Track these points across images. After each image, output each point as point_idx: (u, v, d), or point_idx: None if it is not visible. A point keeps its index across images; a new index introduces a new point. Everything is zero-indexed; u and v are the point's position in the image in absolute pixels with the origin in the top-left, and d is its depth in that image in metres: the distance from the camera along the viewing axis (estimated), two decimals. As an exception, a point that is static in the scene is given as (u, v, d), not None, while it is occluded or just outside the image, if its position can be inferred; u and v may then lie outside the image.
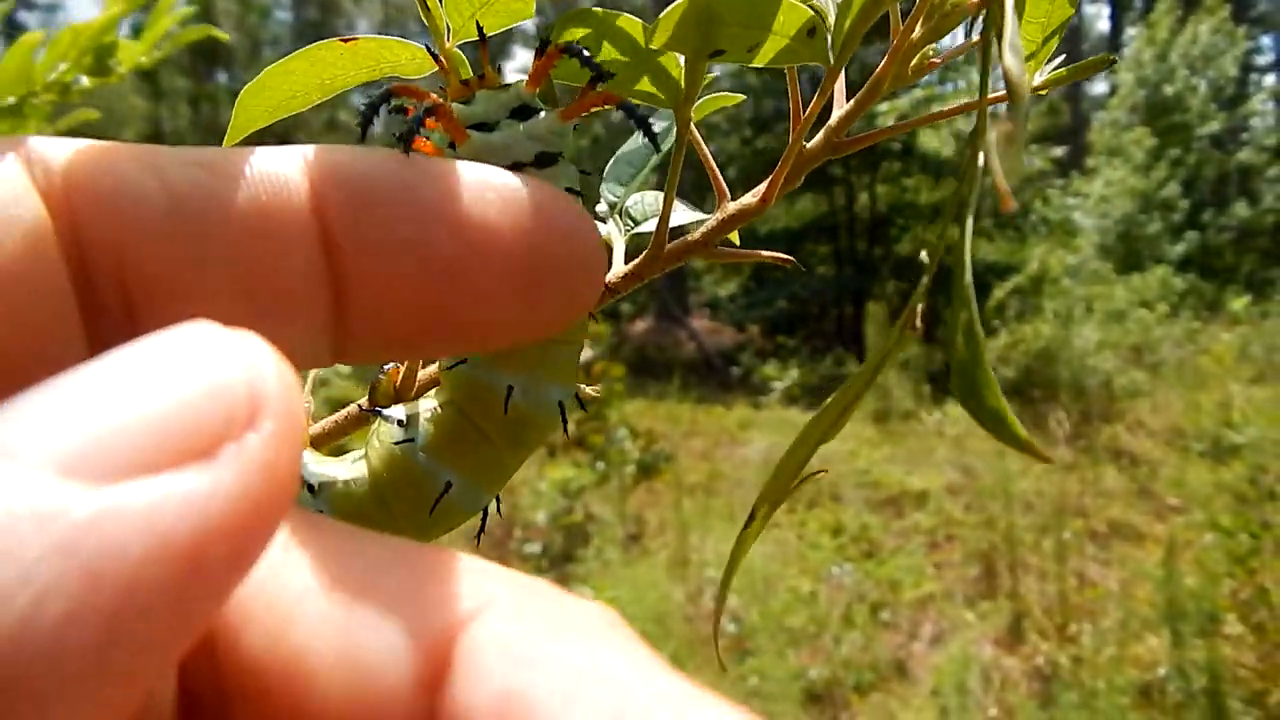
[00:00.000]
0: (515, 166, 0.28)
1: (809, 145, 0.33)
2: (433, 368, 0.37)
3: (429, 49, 0.31)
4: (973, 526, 5.14)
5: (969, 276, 0.22)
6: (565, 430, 0.33)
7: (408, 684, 0.17)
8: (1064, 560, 4.53)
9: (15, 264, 0.20)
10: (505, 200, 0.23)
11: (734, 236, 0.37)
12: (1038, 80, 0.32)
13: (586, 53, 0.28)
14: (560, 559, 4.73)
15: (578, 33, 0.31)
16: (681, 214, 0.38)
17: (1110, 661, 3.64)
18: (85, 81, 1.05)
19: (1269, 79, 19.14)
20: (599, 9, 0.30)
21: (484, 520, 0.34)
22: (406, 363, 0.36)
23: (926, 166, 11.67)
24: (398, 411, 0.34)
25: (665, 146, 0.39)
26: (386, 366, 0.36)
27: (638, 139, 0.41)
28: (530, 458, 0.35)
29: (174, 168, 0.22)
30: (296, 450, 0.17)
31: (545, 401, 0.32)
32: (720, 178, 0.35)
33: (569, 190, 0.29)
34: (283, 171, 0.23)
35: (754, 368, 10.03)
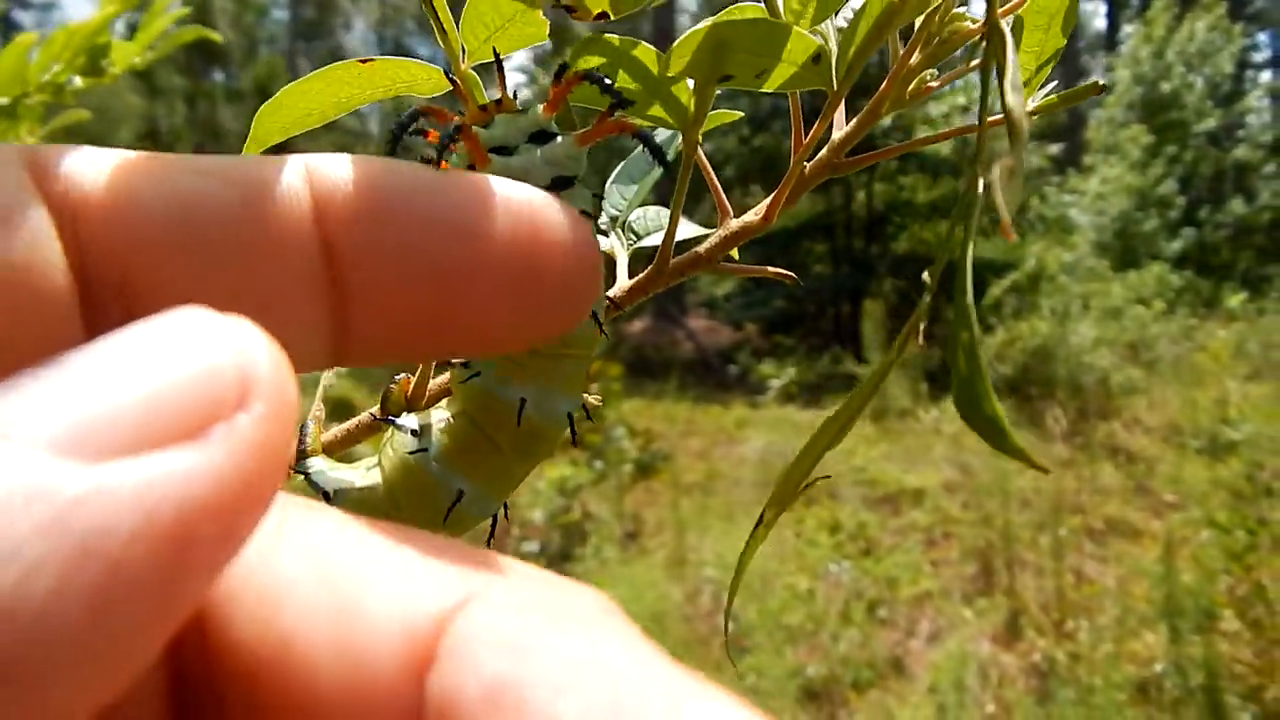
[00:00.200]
0: None
1: (809, 165, 0.34)
2: (444, 378, 0.37)
3: (446, 72, 0.32)
4: (970, 524, 5.15)
5: (970, 296, 0.23)
6: (574, 440, 0.34)
7: (399, 670, 0.17)
8: (1061, 557, 4.55)
9: (17, 267, 0.20)
10: (502, 207, 0.24)
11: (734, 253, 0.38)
12: (1029, 106, 0.32)
13: (606, 80, 0.29)
14: (558, 558, 4.73)
15: (593, 60, 0.32)
16: (684, 229, 0.39)
17: (1107, 658, 3.65)
18: (78, 82, 1.05)
19: (1265, 76, 19.16)
20: (614, 36, 0.31)
21: (493, 526, 0.35)
22: (418, 373, 0.37)
23: (924, 165, 11.67)
24: (410, 421, 0.35)
25: (669, 157, 0.40)
26: (398, 377, 0.37)
27: (640, 153, 0.42)
28: None
29: (177, 175, 0.23)
30: (287, 431, 0.17)
31: (556, 413, 0.33)
32: (722, 194, 0.36)
33: (582, 213, 0.30)
34: (285, 179, 0.23)
35: (751, 367, 10.04)
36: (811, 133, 0.32)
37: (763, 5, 0.32)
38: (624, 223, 0.42)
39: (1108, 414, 6.96)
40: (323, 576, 0.17)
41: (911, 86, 0.32)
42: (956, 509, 5.42)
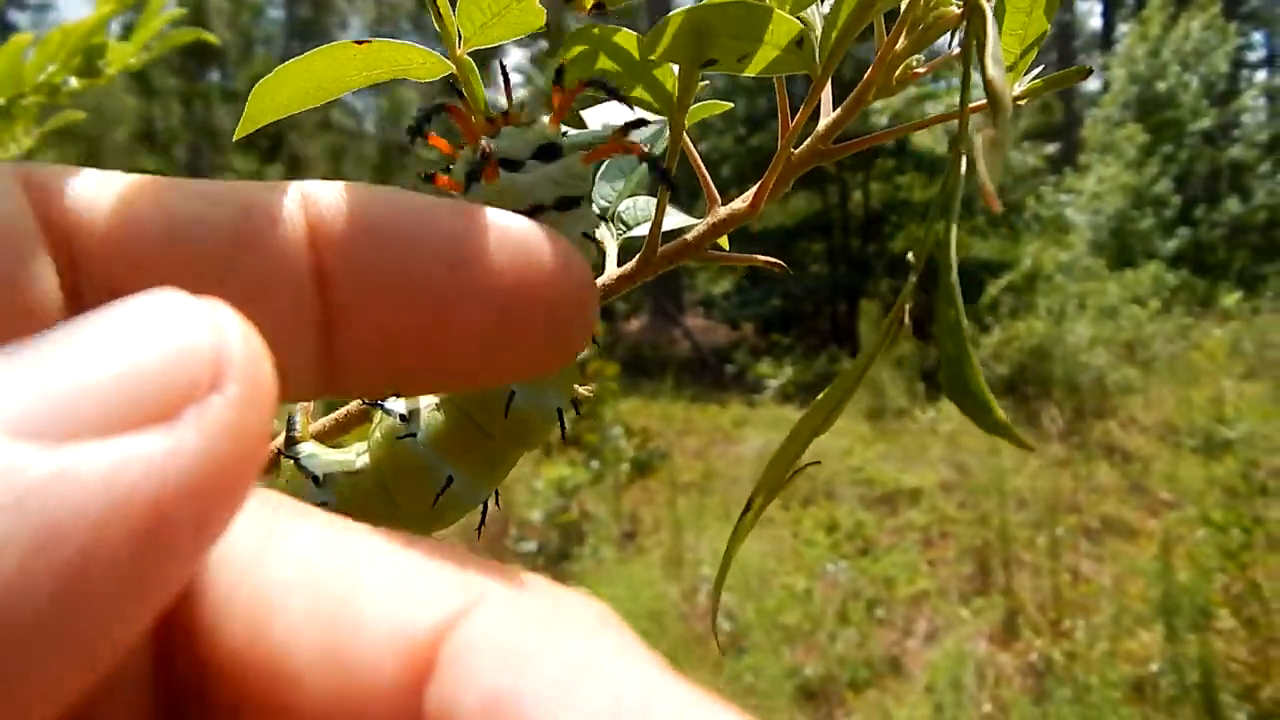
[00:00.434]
0: (537, 208, 0.29)
1: (796, 152, 0.34)
2: None
3: (455, 89, 0.32)
4: (967, 523, 5.15)
5: (955, 275, 0.23)
6: (564, 435, 0.34)
7: (393, 682, 0.16)
8: (1057, 556, 4.55)
9: (7, 285, 0.20)
10: (496, 238, 0.24)
11: (724, 240, 0.38)
12: (1016, 90, 0.32)
13: (612, 86, 0.29)
14: (556, 557, 4.73)
15: (577, 50, 0.32)
16: (673, 218, 0.39)
17: (1103, 657, 3.65)
18: (74, 83, 1.05)
19: (1260, 75, 19.20)
20: (596, 26, 0.31)
21: (483, 514, 0.35)
22: None
23: (920, 164, 11.68)
24: (399, 405, 0.35)
25: (659, 150, 0.40)
26: None
27: None
28: (526, 456, 0.35)
29: (174, 197, 0.23)
30: (263, 414, 0.17)
31: (545, 406, 0.32)
32: (710, 182, 0.36)
33: (585, 236, 0.30)
34: (281, 204, 0.23)
35: (748, 366, 10.04)
36: (796, 119, 0.32)
37: None
38: (613, 213, 0.41)
39: (1104, 413, 6.97)
40: (317, 584, 0.17)
41: (898, 73, 0.32)
42: (953, 509, 5.43)
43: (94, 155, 14.22)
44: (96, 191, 0.22)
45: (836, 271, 12.02)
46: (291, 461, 0.36)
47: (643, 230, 0.40)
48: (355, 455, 0.36)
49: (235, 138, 0.36)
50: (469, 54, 0.32)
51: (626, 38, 0.32)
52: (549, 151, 0.30)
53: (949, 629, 4.15)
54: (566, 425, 0.33)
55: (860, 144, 0.35)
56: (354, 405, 0.38)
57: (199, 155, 16.91)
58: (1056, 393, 7.13)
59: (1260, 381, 7.02)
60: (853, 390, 0.27)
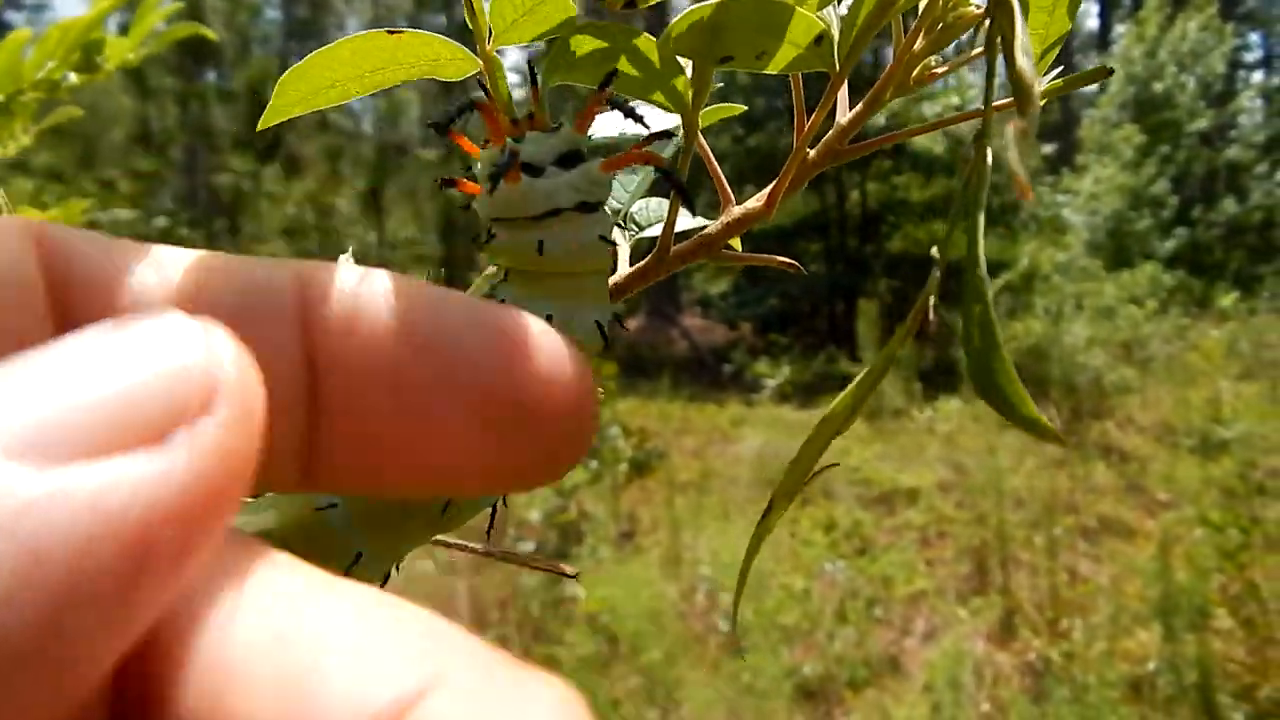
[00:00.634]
0: (555, 213, 0.29)
1: (812, 152, 0.34)
2: None
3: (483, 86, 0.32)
4: (964, 523, 5.16)
5: (983, 269, 0.23)
6: None
7: None
8: (1055, 556, 4.56)
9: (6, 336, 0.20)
10: (493, 338, 0.22)
11: (735, 240, 0.38)
12: (1040, 87, 0.32)
13: (630, 104, 0.29)
14: (554, 557, 4.73)
15: (588, 44, 0.32)
16: (685, 221, 0.39)
17: (1101, 656, 3.65)
18: (73, 78, 1.05)
19: (1257, 76, 19.24)
20: (608, 23, 0.31)
21: (493, 516, 0.35)
22: None
23: (917, 164, 11.69)
24: None
25: (672, 148, 0.39)
26: None
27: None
28: None
29: (175, 265, 0.22)
30: (253, 438, 0.17)
31: (585, 327, 0.32)
32: (725, 183, 0.36)
33: (601, 239, 0.30)
34: (278, 285, 0.22)
35: (746, 365, 10.05)
36: (813, 118, 0.32)
37: None
38: (625, 214, 0.41)
39: (1101, 413, 6.98)
40: (278, 650, 0.16)
41: (915, 72, 0.32)
42: (951, 508, 5.43)
43: (90, 155, 14.19)
44: (103, 253, 0.22)
45: (834, 271, 12.03)
46: None
47: (655, 231, 0.39)
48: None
49: (259, 129, 0.35)
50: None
51: (646, 42, 0.31)
52: (571, 159, 0.30)
53: (947, 628, 4.15)
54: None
55: (876, 143, 0.34)
56: None
57: (195, 155, 16.88)
58: (1054, 393, 7.14)
59: (1257, 382, 7.03)
60: (874, 388, 0.27)
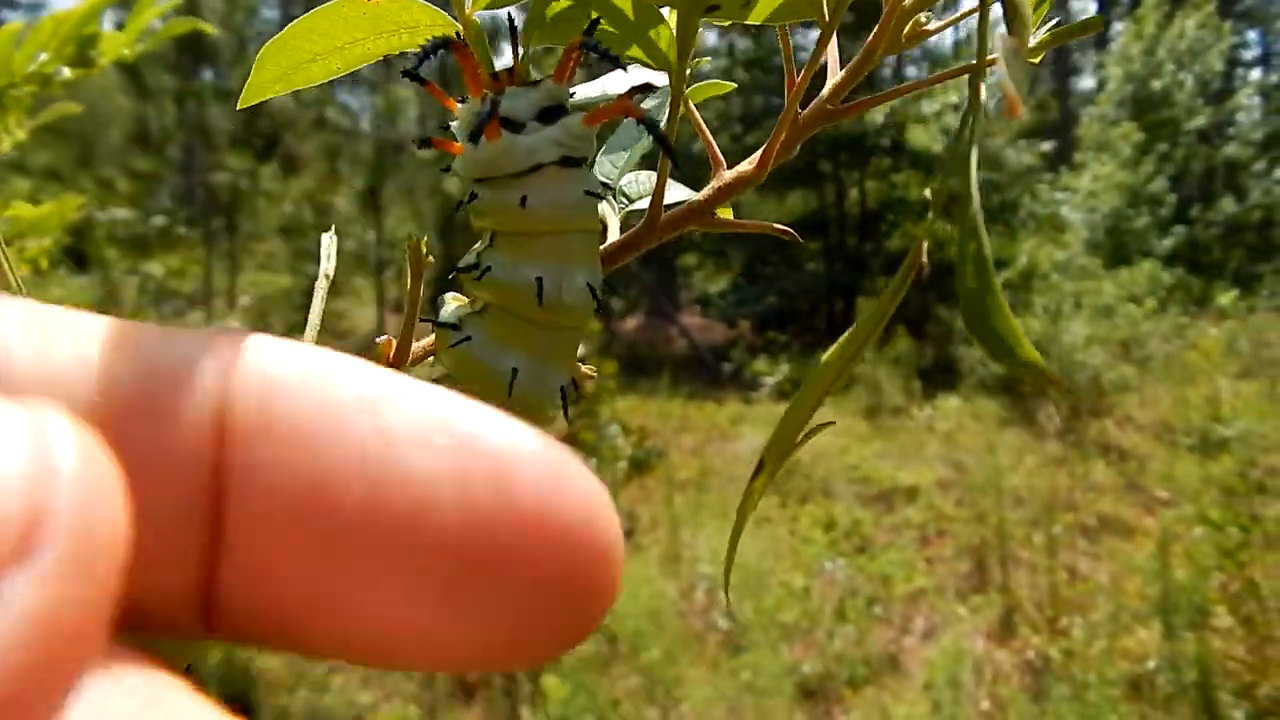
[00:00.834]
0: (537, 168, 0.29)
1: (803, 112, 0.33)
2: (429, 340, 0.36)
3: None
4: (964, 521, 5.16)
5: (976, 204, 0.22)
6: (566, 415, 0.33)
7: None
8: (1054, 554, 4.55)
9: None
10: (466, 455, 0.16)
11: (726, 210, 0.37)
12: (1030, 44, 0.31)
13: (603, 48, 0.28)
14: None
15: (566, 7, 0.31)
16: (676, 191, 0.38)
17: (1101, 654, 3.65)
18: (67, 73, 1.04)
19: (1255, 73, 19.24)
20: None
21: (565, 405, 0.33)
22: (399, 334, 0.35)
23: (916, 162, 11.69)
24: (450, 315, 0.33)
25: (653, 105, 0.39)
26: (379, 339, 0.35)
27: (631, 122, 0.41)
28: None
29: (84, 333, 0.16)
30: (101, 583, 0.12)
31: (548, 386, 0.32)
32: (715, 146, 0.35)
33: (587, 194, 0.29)
34: (193, 361, 0.17)
35: (745, 364, 10.05)
36: (802, 75, 0.31)
37: None
38: (615, 187, 0.41)
39: (1100, 412, 6.97)
40: None
41: (907, 29, 0.31)
42: (950, 506, 5.43)
43: (88, 154, 14.19)
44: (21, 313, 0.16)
45: (833, 269, 12.03)
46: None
47: (644, 204, 0.39)
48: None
49: (239, 107, 0.34)
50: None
51: None
52: (553, 113, 0.29)
53: (946, 626, 4.15)
54: (568, 410, 0.32)
55: (869, 103, 0.33)
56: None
57: (193, 154, 16.87)
58: (1052, 391, 7.14)
59: (1256, 380, 7.03)
60: (869, 339, 0.26)
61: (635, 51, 0.32)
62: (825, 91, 0.33)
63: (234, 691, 3.40)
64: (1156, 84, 11.96)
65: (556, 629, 0.16)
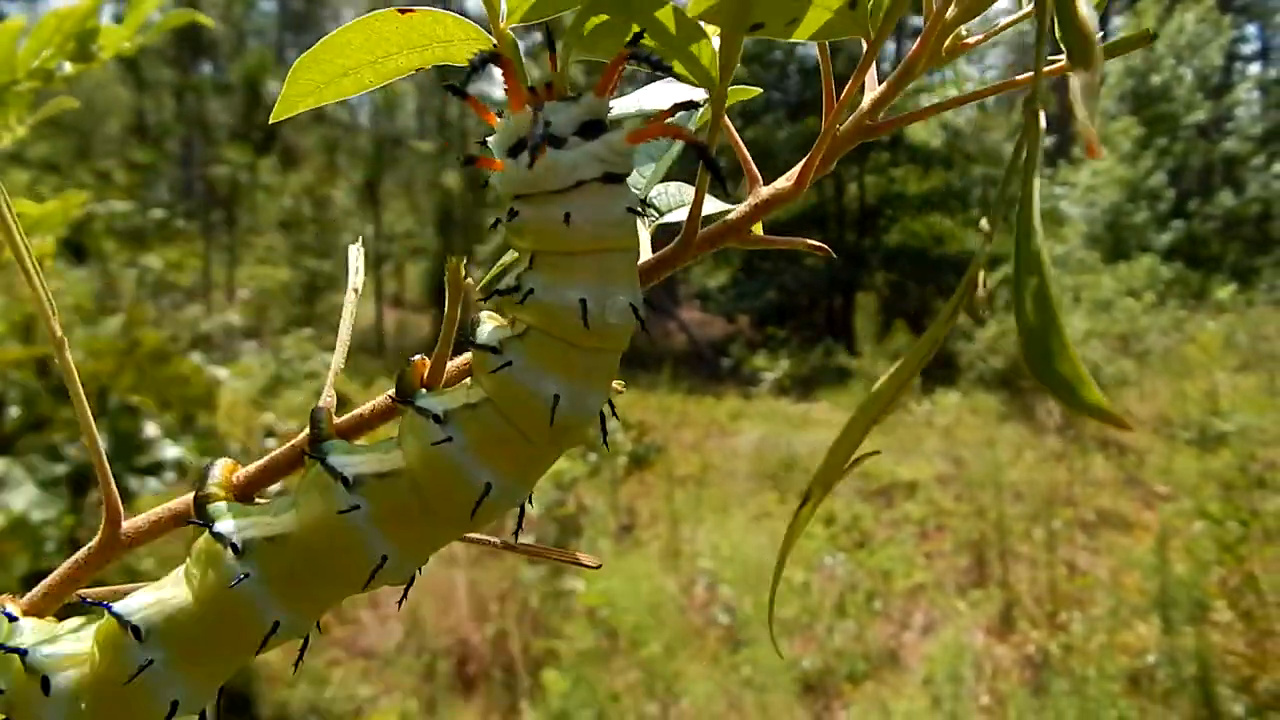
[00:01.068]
0: (579, 185, 0.28)
1: (841, 128, 0.32)
2: (464, 358, 0.36)
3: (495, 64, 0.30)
4: (963, 516, 5.16)
5: (1038, 240, 0.22)
6: (605, 438, 0.33)
7: None
8: (1054, 549, 4.56)
9: None
10: None
11: (756, 226, 0.36)
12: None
13: (656, 58, 0.28)
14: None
15: (607, 23, 0.30)
16: (709, 204, 0.38)
17: (1101, 649, 3.65)
18: (68, 68, 1.03)
19: (1254, 68, 19.21)
20: None
21: (520, 517, 0.34)
22: (434, 353, 0.35)
23: (915, 157, 11.68)
24: (434, 405, 0.33)
25: (692, 122, 0.38)
26: (414, 358, 0.35)
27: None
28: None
29: None
30: None
31: (588, 409, 0.31)
32: (751, 163, 0.35)
33: (630, 210, 0.29)
34: None
35: (744, 359, 10.05)
36: (845, 90, 0.31)
37: None
38: (645, 200, 0.40)
39: (1099, 406, 6.97)
40: None
41: (948, 43, 0.31)
42: (949, 501, 5.43)
43: (86, 147, 14.15)
44: None
45: (832, 265, 12.02)
46: (318, 463, 0.34)
47: (676, 217, 0.38)
48: (383, 453, 0.34)
49: (271, 121, 0.34)
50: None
51: (664, 12, 0.30)
52: (594, 128, 0.28)
53: (946, 621, 4.15)
54: (607, 428, 0.32)
55: (905, 119, 0.33)
56: (380, 399, 0.36)
57: (191, 147, 16.83)
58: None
59: (1255, 374, 7.04)
60: (916, 373, 0.25)
61: (676, 67, 0.31)
62: (865, 105, 0.32)
63: (234, 685, 3.40)
64: (1156, 79, 11.95)
65: None
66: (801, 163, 0.33)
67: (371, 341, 12.53)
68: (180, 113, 17.25)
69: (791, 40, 0.30)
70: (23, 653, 0.34)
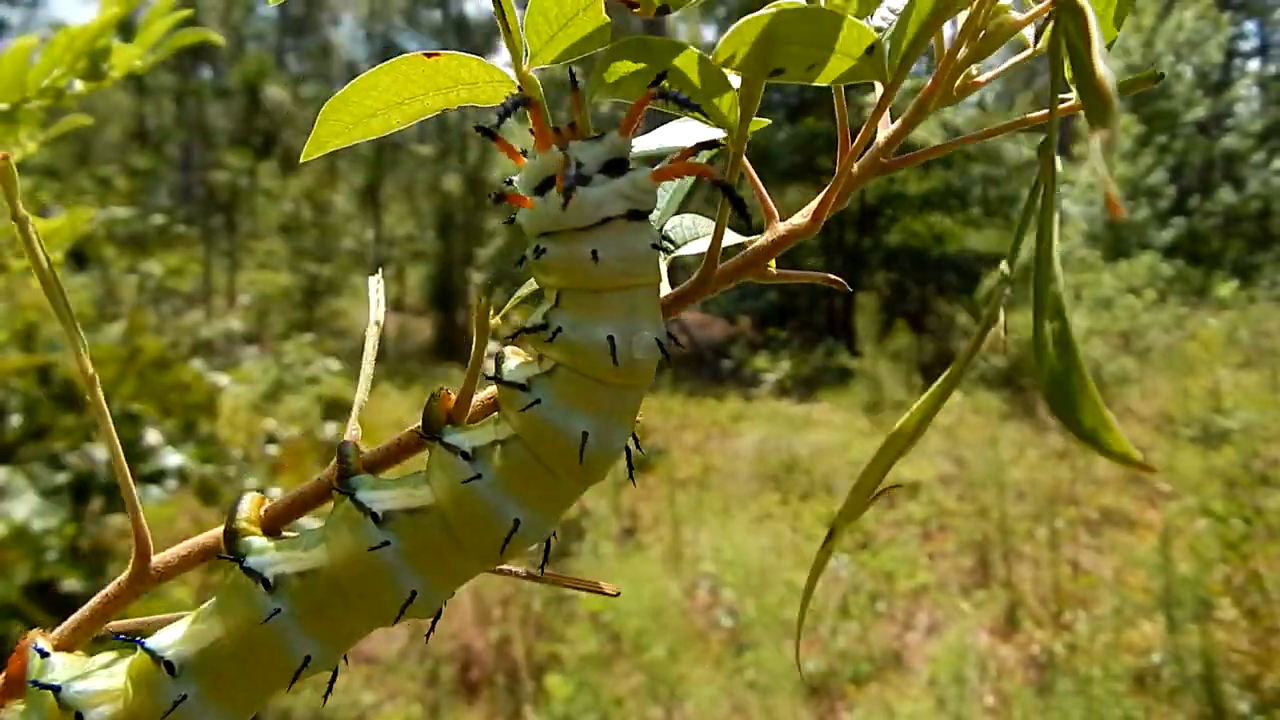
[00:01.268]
0: (605, 222, 0.29)
1: (857, 165, 0.33)
2: (488, 392, 0.36)
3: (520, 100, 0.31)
4: (966, 516, 5.16)
5: (1060, 285, 0.22)
6: (630, 473, 0.33)
7: None
8: (1057, 548, 4.56)
9: None
10: None
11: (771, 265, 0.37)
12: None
13: (684, 97, 0.28)
14: (556, 555, 4.71)
15: (629, 67, 0.31)
16: (727, 236, 0.38)
17: (1105, 648, 3.65)
18: (79, 86, 1.04)
19: (1253, 64, 19.22)
20: (653, 38, 0.30)
21: (546, 550, 0.34)
22: (461, 387, 0.36)
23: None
24: (462, 442, 0.33)
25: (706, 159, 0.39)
26: (439, 390, 0.35)
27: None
28: None
29: None
30: None
31: (615, 446, 0.32)
32: (768, 199, 0.35)
33: (654, 247, 0.30)
34: None
35: (745, 360, 10.05)
36: (864, 129, 0.32)
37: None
38: (660, 232, 0.41)
39: (1101, 404, 6.96)
40: None
41: (959, 82, 0.31)
42: (952, 501, 5.43)
43: (86, 152, 14.16)
44: None
45: (832, 265, 12.03)
46: (346, 497, 0.34)
47: (691, 249, 0.39)
48: (412, 489, 0.34)
49: (301, 160, 0.35)
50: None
51: (688, 57, 0.30)
52: (617, 166, 0.29)
53: (950, 622, 4.15)
54: (632, 461, 0.33)
55: (919, 157, 0.34)
56: (406, 434, 0.37)
57: (191, 152, 16.84)
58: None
59: (1257, 371, 7.03)
60: (940, 406, 0.26)
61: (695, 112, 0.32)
62: (880, 141, 0.33)
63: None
64: (1154, 75, 11.95)
65: None
66: (818, 199, 0.33)
67: (372, 345, 12.49)
68: (180, 117, 17.26)
69: (813, 84, 0.31)
70: (56, 689, 0.34)
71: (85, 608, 0.36)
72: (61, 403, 3.80)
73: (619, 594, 0.41)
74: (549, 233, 0.30)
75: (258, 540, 0.35)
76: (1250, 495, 4.43)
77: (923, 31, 0.29)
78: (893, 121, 0.33)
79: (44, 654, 0.35)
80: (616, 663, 3.73)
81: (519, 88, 0.32)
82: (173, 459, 4.03)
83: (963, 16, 0.30)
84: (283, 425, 6.09)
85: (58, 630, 0.36)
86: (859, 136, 0.32)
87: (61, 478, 3.52)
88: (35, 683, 0.35)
